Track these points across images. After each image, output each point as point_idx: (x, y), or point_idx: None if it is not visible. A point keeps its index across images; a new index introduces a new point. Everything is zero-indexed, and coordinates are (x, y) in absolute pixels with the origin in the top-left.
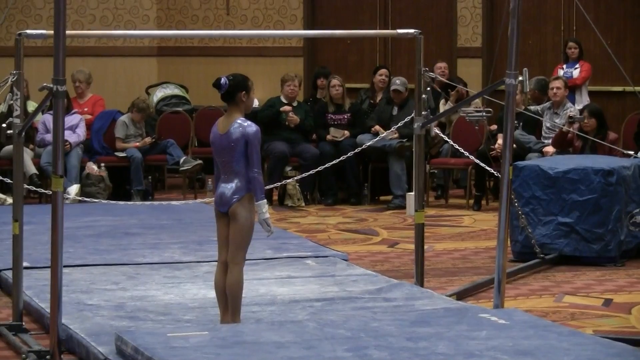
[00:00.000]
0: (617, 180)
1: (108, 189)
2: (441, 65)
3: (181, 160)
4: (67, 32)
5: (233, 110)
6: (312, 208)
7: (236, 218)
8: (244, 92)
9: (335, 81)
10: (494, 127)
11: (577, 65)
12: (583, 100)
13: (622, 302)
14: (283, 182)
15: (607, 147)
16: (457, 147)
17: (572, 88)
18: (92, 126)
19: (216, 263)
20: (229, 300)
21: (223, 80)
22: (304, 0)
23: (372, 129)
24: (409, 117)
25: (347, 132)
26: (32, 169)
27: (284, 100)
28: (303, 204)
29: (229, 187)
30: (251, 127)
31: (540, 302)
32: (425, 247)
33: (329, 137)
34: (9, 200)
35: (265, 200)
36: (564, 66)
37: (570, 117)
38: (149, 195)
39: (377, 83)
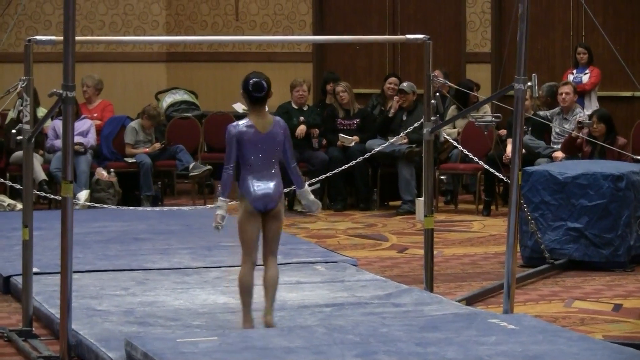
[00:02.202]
0: (626, 185)
1: (117, 195)
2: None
3: (190, 166)
4: (77, 38)
5: (263, 109)
6: (322, 213)
7: (279, 216)
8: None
9: (339, 87)
10: (503, 132)
11: (586, 71)
12: (592, 105)
13: (631, 307)
14: (292, 188)
15: (616, 152)
16: (466, 152)
17: (581, 93)
18: (102, 132)
19: (222, 267)
20: (271, 292)
21: (265, 83)
22: (313, 5)
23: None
24: (418, 123)
25: (356, 138)
26: (41, 174)
27: (294, 106)
28: None
29: (271, 186)
30: (283, 121)
31: (549, 308)
32: (435, 252)
33: (339, 143)
34: (19, 205)
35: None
36: (574, 71)
37: (579, 122)
38: (159, 201)
39: (386, 91)
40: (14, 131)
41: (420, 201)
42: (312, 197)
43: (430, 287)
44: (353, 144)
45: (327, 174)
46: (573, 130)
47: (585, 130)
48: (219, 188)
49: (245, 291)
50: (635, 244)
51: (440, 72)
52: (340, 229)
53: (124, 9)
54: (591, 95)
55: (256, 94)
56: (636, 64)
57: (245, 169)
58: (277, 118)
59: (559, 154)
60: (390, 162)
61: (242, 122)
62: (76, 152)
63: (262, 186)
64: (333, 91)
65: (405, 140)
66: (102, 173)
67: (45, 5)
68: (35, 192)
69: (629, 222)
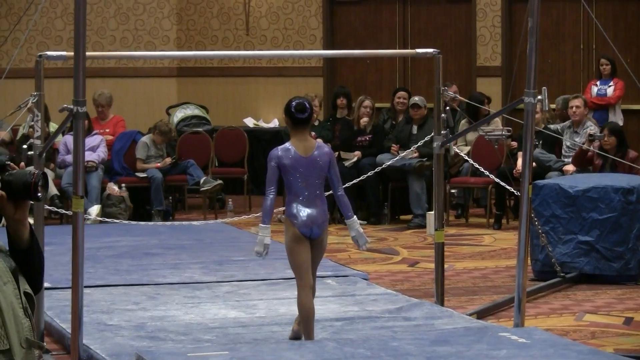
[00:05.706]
0: (637, 198)
1: (129, 210)
2: (455, 88)
3: (201, 181)
4: (87, 53)
5: (306, 132)
6: (332, 227)
7: (323, 243)
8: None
9: (366, 102)
10: (514, 144)
11: (611, 83)
12: (617, 119)
13: None
14: None
15: (627, 165)
16: (477, 166)
17: (605, 107)
18: (113, 147)
19: (233, 282)
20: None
21: (308, 105)
22: (324, 20)
23: (391, 149)
24: (429, 137)
25: (358, 153)
26: (53, 189)
27: None
28: None
29: (318, 211)
30: (328, 147)
31: (560, 321)
32: (446, 266)
33: (343, 155)
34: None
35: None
36: (598, 82)
37: (590, 135)
38: (170, 216)
39: (395, 105)
40: (25, 146)
41: (431, 215)
42: (361, 229)
43: (441, 301)
44: (355, 159)
45: None
46: (584, 144)
47: (596, 144)
48: (262, 214)
49: (308, 318)
50: None
51: (456, 86)
52: (351, 243)
53: (135, 24)
54: (616, 109)
55: (299, 115)
56: None
57: (290, 193)
58: (322, 143)
59: (569, 168)
60: (401, 176)
61: (283, 146)
62: (87, 169)
63: (308, 212)
64: (359, 104)
65: (416, 155)
66: (113, 188)
67: (56, 21)
68: (47, 207)
69: None
